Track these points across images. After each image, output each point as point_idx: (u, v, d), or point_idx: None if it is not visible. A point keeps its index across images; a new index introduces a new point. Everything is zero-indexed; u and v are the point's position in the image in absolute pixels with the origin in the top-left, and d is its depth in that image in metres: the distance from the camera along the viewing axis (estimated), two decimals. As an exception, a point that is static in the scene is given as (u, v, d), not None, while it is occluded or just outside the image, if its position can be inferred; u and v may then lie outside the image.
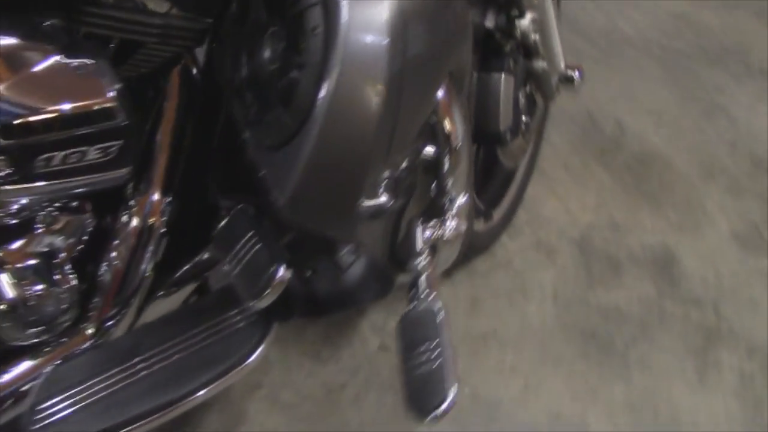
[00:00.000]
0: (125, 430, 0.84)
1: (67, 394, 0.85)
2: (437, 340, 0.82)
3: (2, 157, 0.61)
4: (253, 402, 1.19)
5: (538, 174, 1.64)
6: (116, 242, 0.82)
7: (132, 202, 0.82)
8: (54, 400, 0.84)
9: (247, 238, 0.81)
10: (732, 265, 1.66)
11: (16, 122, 0.61)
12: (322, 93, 0.67)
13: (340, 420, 1.22)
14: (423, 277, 0.87)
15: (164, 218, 0.83)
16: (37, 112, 0.62)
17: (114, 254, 0.82)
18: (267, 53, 0.72)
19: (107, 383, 0.88)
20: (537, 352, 1.38)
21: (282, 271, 0.80)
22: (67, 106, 0.64)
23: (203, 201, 0.88)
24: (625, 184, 1.75)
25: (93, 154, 0.66)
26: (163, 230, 0.84)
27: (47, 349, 0.81)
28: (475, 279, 1.45)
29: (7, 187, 0.64)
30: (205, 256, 0.91)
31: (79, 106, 0.64)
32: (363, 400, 1.25)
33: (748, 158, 1.92)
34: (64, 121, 0.63)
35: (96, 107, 0.65)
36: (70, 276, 0.77)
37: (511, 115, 1.16)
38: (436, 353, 0.80)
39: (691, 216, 1.73)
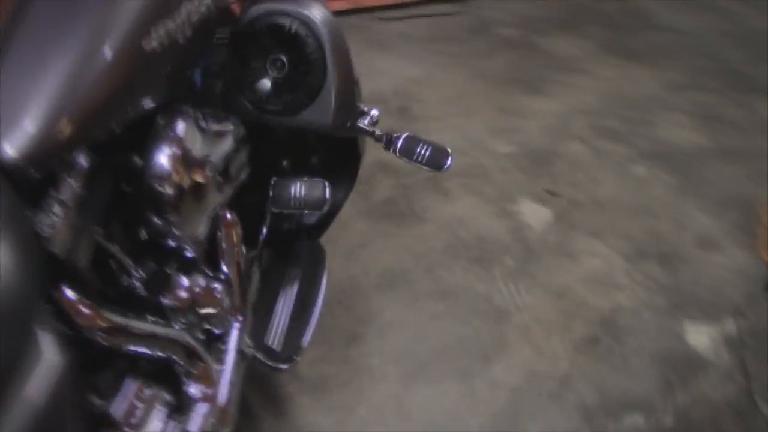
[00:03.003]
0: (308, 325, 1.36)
1: (269, 326, 1.33)
2: (422, 140, 1.27)
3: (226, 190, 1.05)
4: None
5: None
6: (224, 250, 1.12)
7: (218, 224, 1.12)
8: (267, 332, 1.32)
9: (294, 187, 1.26)
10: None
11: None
12: (329, 59, 1.12)
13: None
14: (385, 134, 1.28)
15: (238, 226, 1.14)
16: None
17: (225, 258, 1.13)
18: (276, 67, 1.13)
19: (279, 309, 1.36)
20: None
21: (328, 189, 1.26)
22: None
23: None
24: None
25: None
26: (240, 231, 1.15)
27: (231, 327, 1.16)
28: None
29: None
30: (264, 228, 1.31)
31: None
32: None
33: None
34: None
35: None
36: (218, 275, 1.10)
37: None
38: (426, 145, 1.26)
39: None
